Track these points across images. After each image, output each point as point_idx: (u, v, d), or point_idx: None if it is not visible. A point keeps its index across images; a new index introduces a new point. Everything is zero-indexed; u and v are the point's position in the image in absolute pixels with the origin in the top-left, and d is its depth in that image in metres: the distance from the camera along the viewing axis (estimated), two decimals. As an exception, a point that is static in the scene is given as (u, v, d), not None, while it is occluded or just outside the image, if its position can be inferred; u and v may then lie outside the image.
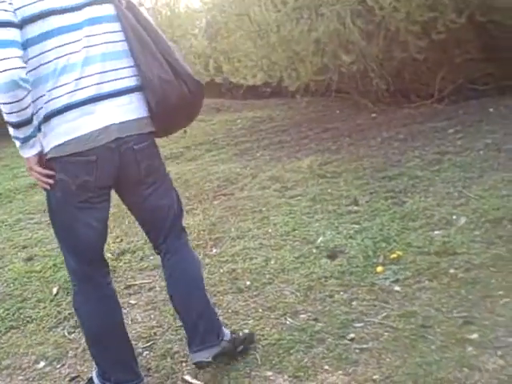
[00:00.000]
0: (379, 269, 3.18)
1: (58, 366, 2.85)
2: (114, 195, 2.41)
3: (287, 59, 5.79)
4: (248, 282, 3.30)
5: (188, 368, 2.66)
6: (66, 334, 3.11)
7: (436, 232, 3.48)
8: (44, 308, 3.42)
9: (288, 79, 5.95)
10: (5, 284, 3.81)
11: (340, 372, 2.46)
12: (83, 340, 2.98)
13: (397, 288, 2.99)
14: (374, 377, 2.38)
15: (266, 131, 6.78)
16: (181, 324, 2.83)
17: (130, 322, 3.12)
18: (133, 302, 3.34)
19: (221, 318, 2.97)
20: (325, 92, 6.89)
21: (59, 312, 3.34)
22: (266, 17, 5.66)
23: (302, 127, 6.60)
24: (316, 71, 5.72)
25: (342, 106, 7.08)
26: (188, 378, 2.59)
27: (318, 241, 3.63)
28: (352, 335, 2.68)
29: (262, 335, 2.79)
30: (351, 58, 5.45)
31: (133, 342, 2.86)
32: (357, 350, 2.57)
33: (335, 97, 6.92)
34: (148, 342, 2.92)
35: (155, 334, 2.96)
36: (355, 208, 4.05)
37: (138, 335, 2.98)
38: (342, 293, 3.04)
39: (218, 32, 7.10)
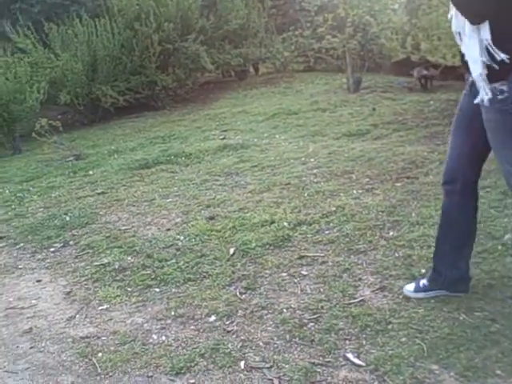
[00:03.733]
0: None
1: (228, 323, 2.97)
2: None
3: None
4: (423, 270, 3.17)
5: (351, 346, 2.63)
6: (238, 293, 3.24)
7: None
8: (220, 266, 3.59)
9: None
10: (187, 238, 4.06)
11: (513, 380, 2.29)
12: (253, 302, 3.11)
13: None
14: (552, 392, 2.19)
15: (459, 115, 6.43)
16: (349, 301, 2.83)
17: (299, 292, 3.16)
18: (304, 272, 3.38)
19: (391, 302, 2.93)
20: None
21: (233, 272, 3.48)
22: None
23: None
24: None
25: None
26: (350, 356, 2.57)
27: (506, 237, 3.39)
28: (532, 343, 2.47)
29: (432, 327, 2.68)
30: None
31: (299, 312, 2.94)
32: (535, 360, 2.38)
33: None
34: (314, 314, 2.93)
35: (322, 307, 2.96)
36: (551, 207, 3.71)
37: (306, 306, 3.01)
38: (525, 296, 2.81)
39: (419, 7, 6.80)
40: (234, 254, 3.72)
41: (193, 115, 9.32)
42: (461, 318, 2.71)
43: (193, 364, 2.66)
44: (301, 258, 3.55)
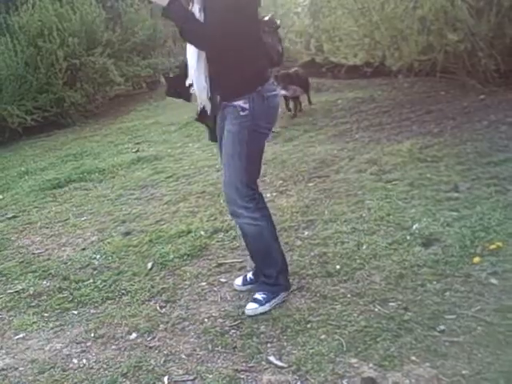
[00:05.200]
0: (476, 260, 3.04)
1: (149, 339, 2.94)
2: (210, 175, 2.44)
3: (390, 38, 5.61)
4: (338, 267, 3.26)
5: (273, 349, 2.67)
6: (158, 307, 3.21)
7: (542, 223, 3.27)
8: (139, 281, 3.54)
9: (391, 59, 5.76)
10: (104, 256, 3.98)
11: (427, 364, 2.38)
12: (174, 314, 3.10)
13: (494, 281, 2.84)
14: (463, 372, 2.29)
15: (366, 112, 6.62)
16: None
17: (219, 300, 3.17)
18: (223, 280, 3.39)
19: (308, 301, 2.98)
20: (429, 72, 6.60)
21: (152, 286, 3.45)
22: (369, -6, 5.51)
23: (404, 108, 6.39)
24: (420, 50, 5.50)
25: (447, 87, 6.77)
26: (272, 359, 2.60)
27: (413, 227, 3.52)
28: (442, 327, 2.58)
29: (349, 321, 2.75)
30: (458, 36, 5.18)
31: (220, 320, 2.94)
32: (447, 343, 2.48)
33: (440, 77, 6.61)
34: (235, 320, 2.95)
35: (243, 313, 2.98)
36: (455, 195, 3.88)
37: (226, 313, 3.02)
38: (434, 282, 2.93)
39: (321, 10, 6.98)
40: (152, 267, 3.69)
41: (105, 130, 9.15)
42: (376, 310, 2.80)
43: (115, 385, 2.62)
44: (219, 265, 3.56)
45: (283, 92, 6.64)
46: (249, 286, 3.19)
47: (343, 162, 4.96)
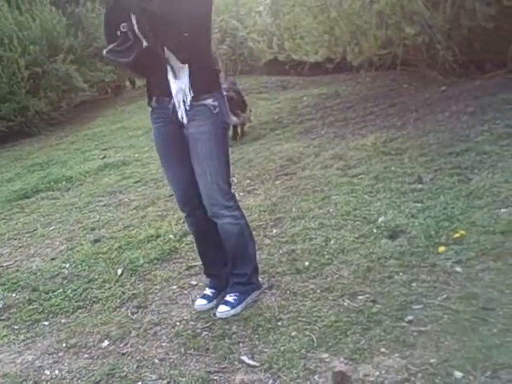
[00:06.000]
0: (441, 249, 3.09)
1: (121, 345, 2.93)
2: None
3: (350, 34, 5.66)
4: (307, 263, 3.29)
5: (245, 349, 2.68)
6: (130, 314, 3.20)
7: (503, 210, 3.34)
8: (109, 288, 3.53)
9: (351, 54, 5.82)
10: (73, 265, 3.96)
11: (397, 355, 2.42)
12: (146, 320, 3.10)
13: (458, 269, 2.90)
14: (432, 360, 2.33)
15: (331, 108, 6.69)
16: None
17: (190, 303, 3.17)
18: (194, 282, 3.40)
19: (279, 299, 3.00)
20: (390, 66, 6.69)
21: (123, 292, 3.44)
22: (326, -10, 5.56)
23: (368, 103, 6.47)
24: (380, 45, 5.57)
25: (410, 79, 6.88)
26: (245, 358, 2.62)
27: (379, 220, 3.57)
28: (410, 317, 2.62)
29: (319, 317, 2.78)
30: (415, 29, 5.26)
31: (192, 323, 2.95)
32: (415, 333, 2.52)
33: (402, 70, 6.71)
34: (207, 322, 2.96)
35: (214, 314, 2.99)
36: (419, 186, 3.94)
37: (198, 316, 3.03)
38: (401, 274, 2.97)
39: (281, 8, 7.01)
40: (122, 274, 3.68)
41: (71, 137, 9.07)
42: (345, 304, 2.83)
43: (89, 394, 2.61)
44: (189, 268, 3.57)
45: (234, 119, 5.89)
46: (215, 301, 3.09)
47: (309, 158, 5.00)
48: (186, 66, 2.74)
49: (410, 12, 5.31)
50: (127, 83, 13.07)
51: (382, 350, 2.47)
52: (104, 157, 6.98)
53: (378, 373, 2.35)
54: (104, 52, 2.82)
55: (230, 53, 9.74)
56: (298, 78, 8.95)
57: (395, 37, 5.54)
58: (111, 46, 2.77)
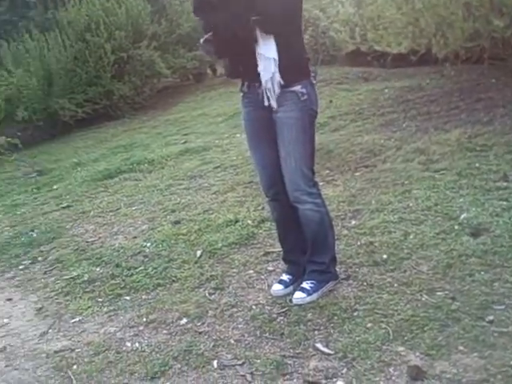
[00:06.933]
0: (526, 250, 3.01)
1: (199, 324, 3.02)
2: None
3: (435, 25, 5.50)
4: (385, 256, 3.27)
5: (320, 336, 2.71)
6: (207, 294, 3.29)
7: None
8: (188, 269, 3.63)
9: (436, 46, 5.66)
10: (154, 244, 4.09)
11: (475, 354, 2.38)
12: (222, 301, 3.17)
13: (544, 271, 2.81)
14: (512, 362, 2.29)
15: (413, 101, 6.56)
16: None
17: (266, 288, 3.22)
18: (270, 268, 3.45)
19: (355, 290, 3.00)
20: (477, 59, 6.47)
21: (202, 274, 3.53)
22: (412, -20, 5.43)
23: (452, 97, 6.31)
24: (466, 37, 5.39)
25: (497, 74, 6.64)
26: (319, 345, 2.64)
27: (462, 217, 3.49)
28: (491, 317, 2.57)
29: (396, 310, 2.77)
30: (505, 22, 5.05)
31: (268, 308, 3.00)
32: (495, 334, 2.47)
33: (490, 64, 6.48)
34: (283, 308, 3.00)
35: (290, 301, 3.03)
36: (504, 184, 3.83)
37: (273, 301, 3.07)
38: (483, 273, 2.91)
39: (364, -2, 6.90)
40: (201, 255, 3.77)
41: (153, 122, 9.31)
42: (423, 299, 2.81)
43: (167, 368, 2.71)
44: (266, 254, 3.62)
45: None
46: (291, 287, 3.12)
47: (390, 151, 4.94)
48: (273, 54, 2.78)
49: (498, 4, 5.11)
50: (208, 70, 13.25)
51: (460, 348, 2.44)
52: (185, 142, 7.14)
53: (455, 370, 2.32)
54: (200, 41, 2.90)
55: (312, 42, 9.67)
56: (380, 69, 8.80)
57: (483, 29, 5.34)
58: (206, 36, 2.84)
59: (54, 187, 6.44)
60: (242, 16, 2.72)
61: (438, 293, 2.84)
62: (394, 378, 2.36)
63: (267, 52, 2.79)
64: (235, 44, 2.81)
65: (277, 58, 2.78)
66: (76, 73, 10.18)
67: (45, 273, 4.11)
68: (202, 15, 2.93)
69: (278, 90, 2.83)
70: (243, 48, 2.81)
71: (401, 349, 2.51)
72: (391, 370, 2.40)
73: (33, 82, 9.70)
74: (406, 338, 2.57)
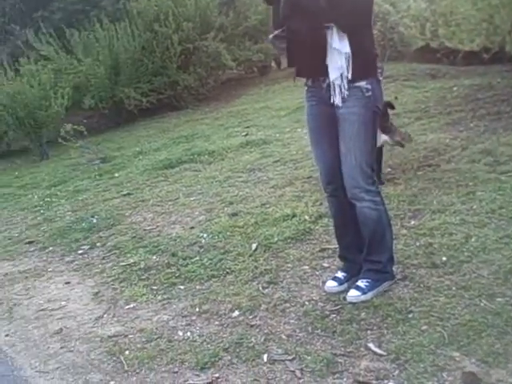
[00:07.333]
0: None
1: (251, 317, 3.02)
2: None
3: (510, 22, 5.30)
4: (444, 258, 3.17)
5: (373, 336, 2.66)
6: (261, 288, 3.28)
7: None
8: (243, 262, 3.63)
9: (510, 44, 5.45)
10: (210, 235, 4.11)
11: (535, 364, 2.28)
12: (275, 295, 3.15)
13: None
14: None
15: (483, 100, 6.35)
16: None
17: (321, 284, 3.19)
18: (325, 265, 3.41)
19: (411, 291, 2.93)
20: (553, 59, 6.21)
21: (256, 267, 3.53)
22: (489, -25, 5.24)
23: (525, 97, 6.08)
24: (543, 36, 5.17)
25: None
26: (371, 345, 2.59)
27: (527, 222, 3.36)
28: (553, 327, 2.46)
29: (453, 314, 2.68)
30: None
31: (321, 304, 2.97)
32: (557, 344, 2.36)
33: None
34: (336, 305, 2.96)
35: (344, 298, 2.99)
36: None
37: (327, 298, 3.04)
38: (546, 280, 2.79)
39: (438, -7, 6.72)
40: (256, 249, 3.76)
41: (215, 113, 9.38)
42: (482, 305, 2.71)
43: (217, 359, 2.72)
44: (322, 250, 3.57)
45: (384, 138, 4.36)
46: (345, 285, 3.09)
47: (455, 151, 4.80)
48: (347, 49, 2.74)
49: None
50: (273, 64, 13.24)
51: (519, 356, 2.34)
52: (246, 134, 7.15)
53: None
54: (270, 37, 2.90)
55: (380, 38, 9.51)
56: (449, 67, 8.58)
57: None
58: (277, 32, 2.83)
59: (116, 175, 6.57)
60: (316, 14, 2.68)
61: (498, 299, 2.73)
62: (447, 383, 2.29)
63: (342, 47, 2.74)
64: (308, 40, 2.77)
65: (350, 52, 2.74)
66: (143, 63, 10.36)
67: (103, 258, 4.20)
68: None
69: (346, 87, 2.79)
70: (314, 43, 2.77)
71: (456, 354, 2.44)
72: (445, 374, 2.33)
73: (101, 71, 9.93)
74: (461, 343, 2.49)
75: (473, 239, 3.31)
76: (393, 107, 4.54)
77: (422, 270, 3.11)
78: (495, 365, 2.32)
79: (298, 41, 2.78)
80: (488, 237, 3.29)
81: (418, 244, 3.40)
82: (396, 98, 7.15)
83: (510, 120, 5.39)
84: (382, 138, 4.27)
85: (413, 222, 3.69)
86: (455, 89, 7.17)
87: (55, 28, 10.53)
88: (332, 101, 2.84)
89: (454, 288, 2.89)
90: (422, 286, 2.97)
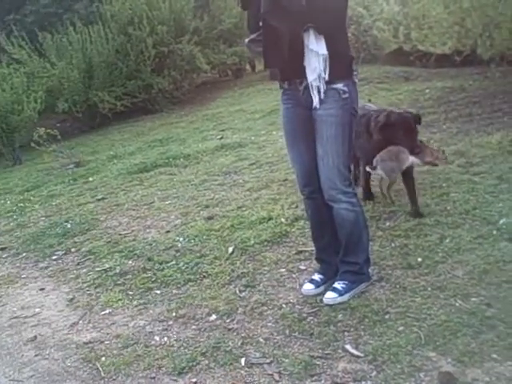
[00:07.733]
0: None
1: (228, 321, 3.01)
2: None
3: (482, 26, 5.38)
4: (419, 259, 3.20)
5: (350, 338, 2.66)
6: (238, 291, 3.27)
7: None
8: (219, 265, 3.62)
9: (482, 47, 5.53)
10: (187, 239, 4.09)
11: (509, 363, 2.31)
12: (253, 299, 3.15)
13: None
14: (549, 373, 2.21)
15: (455, 102, 6.43)
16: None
17: (297, 287, 3.19)
18: (302, 267, 3.41)
19: (388, 292, 2.95)
20: (524, 62, 6.31)
21: (233, 270, 3.52)
22: (460, -22, 5.32)
23: (496, 99, 6.17)
24: (513, 39, 5.26)
25: (544, 77, 6.48)
26: (349, 347, 2.60)
27: (500, 222, 3.40)
28: (528, 326, 2.49)
29: (429, 314, 2.71)
30: (553, 25, 4.92)
31: (298, 307, 2.97)
32: (531, 342, 2.40)
33: (536, 67, 6.33)
34: (313, 308, 2.96)
35: (321, 300, 2.99)
36: (546, 189, 3.72)
37: (304, 300, 3.04)
38: (521, 279, 2.83)
39: (410, -4, 6.80)
40: (232, 252, 3.76)
41: (190, 116, 9.35)
42: (457, 305, 2.74)
43: (194, 363, 2.70)
44: (298, 253, 3.58)
45: (413, 159, 3.74)
46: (322, 287, 3.10)
47: (429, 153, 4.84)
48: (324, 51, 2.74)
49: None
50: (247, 67, 13.26)
51: (494, 356, 2.37)
52: (221, 137, 7.14)
53: (487, 378, 2.26)
54: (246, 41, 2.90)
55: (354, 41, 9.58)
56: (422, 69, 8.67)
57: (531, 31, 5.22)
58: (253, 36, 2.83)
59: (90, 179, 6.51)
60: (295, 15, 2.68)
61: (473, 298, 2.76)
62: (424, 383, 2.30)
63: (319, 48, 2.74)
64: (285, 41, 2.75)
65: (327, 54, 2.75)
66: (117, 66, 10.31)
67: (77, 264, 4.15)
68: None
69: (324, 88, 2.79)
70: (292, 43, 2.75)
71: (432, 354, 2.46)
72: (421, 375, 2.35)
73: (74, 75, 9.84)
74: (437, 344, 2.51)
75: (447, 240, 3.34)
76: (420, 122, 3.82)
77: (397, 271, 3.13)
78: (471, 364, 2.35)
79: (275, 39, 2.75)
80: (462, 237, 3.33)
81: (393, 245, 3.43)
82: (370, 100, 7.21)
83: (482, 122, 5.46)
84: (410, 159, 3.70)
85: (388, 224, 3.72)
86: (428, 91, 7.25)
87: (28, 31, 10.42)
88: (313, 103, 2.84)
89: (429, 288, 2.92)
90: (398, 286, 2.99)
